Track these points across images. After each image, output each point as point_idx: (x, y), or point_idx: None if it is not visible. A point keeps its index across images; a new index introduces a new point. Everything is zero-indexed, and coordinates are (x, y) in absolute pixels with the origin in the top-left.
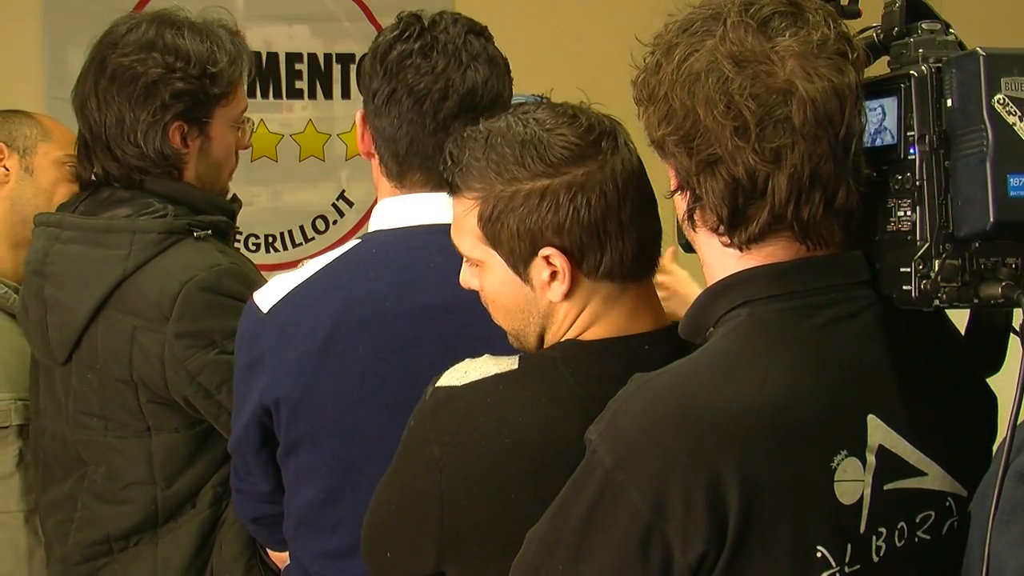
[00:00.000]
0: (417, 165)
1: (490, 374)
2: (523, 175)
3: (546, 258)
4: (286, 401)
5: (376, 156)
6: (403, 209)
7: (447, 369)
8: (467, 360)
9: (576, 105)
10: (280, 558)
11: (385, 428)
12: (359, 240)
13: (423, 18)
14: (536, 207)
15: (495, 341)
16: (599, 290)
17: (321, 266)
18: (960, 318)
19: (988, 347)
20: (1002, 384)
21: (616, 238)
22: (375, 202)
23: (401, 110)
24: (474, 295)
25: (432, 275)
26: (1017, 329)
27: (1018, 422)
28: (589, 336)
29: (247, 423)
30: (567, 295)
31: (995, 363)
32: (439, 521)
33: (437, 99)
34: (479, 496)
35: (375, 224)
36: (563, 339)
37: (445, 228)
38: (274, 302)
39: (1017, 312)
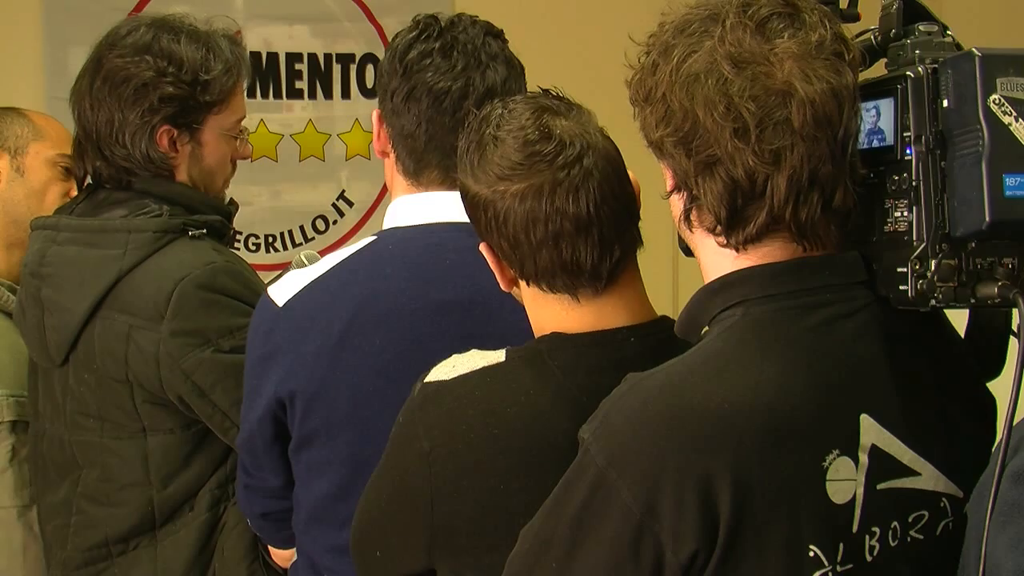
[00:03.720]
0: (435, 163)
1: (477, 367)
2: (464, 171)
3: (487, 247)
4: (301, 394)
5: (392, 154)
6: (420, 206)
7: None
8: (455, 355)
9: (557, 117)
10: (283, 557)
11: None
12: (375, 236)
13: (441, 19)
14: (467, 203)
15: (511, 338)
16: (542, 292)
17: (337, 261)
18: (960, 320)
19: (988, 349)
20: (1003, 387)
21: (528, 256)
22: (375, 202)
23: (420, 108)
24: (490, 292)
25: (449, 272)
26: (1015, 330)
27: (1015, 422)
28: (571, 328)
29: (261, 416)
30: (513, 285)
31: (995, 366)
32: (429, 516)
33: (457, 98)
34: (468, 489)
35: (391, 221)
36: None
37: (461, 226)
38: (290, 296)
39: (1015, 313)
